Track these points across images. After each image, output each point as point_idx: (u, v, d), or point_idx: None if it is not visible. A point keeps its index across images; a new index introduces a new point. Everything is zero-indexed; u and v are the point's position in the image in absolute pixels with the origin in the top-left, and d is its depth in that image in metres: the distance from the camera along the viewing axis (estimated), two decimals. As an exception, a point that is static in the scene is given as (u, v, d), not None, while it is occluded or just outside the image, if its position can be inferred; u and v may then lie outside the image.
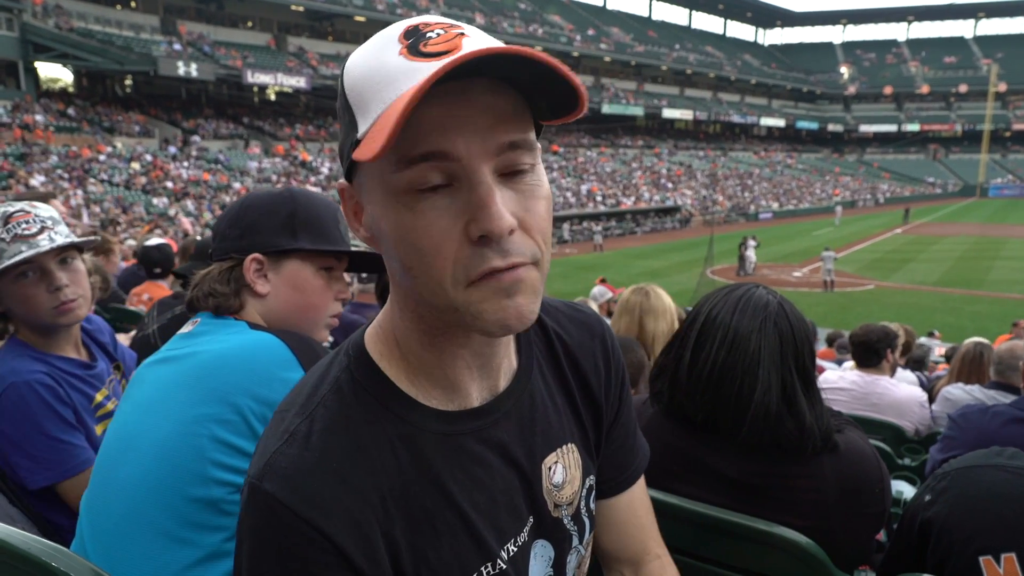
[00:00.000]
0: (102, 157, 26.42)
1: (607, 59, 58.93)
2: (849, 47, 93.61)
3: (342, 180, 0.75)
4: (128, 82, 37.08)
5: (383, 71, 0.64)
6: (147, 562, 1.09)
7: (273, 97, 42.97)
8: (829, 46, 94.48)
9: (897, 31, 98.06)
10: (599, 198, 40.76)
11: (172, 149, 30.01)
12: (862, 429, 1.42)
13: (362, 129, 0.65)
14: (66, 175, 23.72)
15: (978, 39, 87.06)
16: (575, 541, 0.90)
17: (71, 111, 29.96)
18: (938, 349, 9.69)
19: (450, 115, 0.62)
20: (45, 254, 1.55)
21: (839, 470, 1.27)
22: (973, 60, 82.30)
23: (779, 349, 1.30)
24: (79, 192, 22.77)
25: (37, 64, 31.02)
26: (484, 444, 0.78)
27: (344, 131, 0.69)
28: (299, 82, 37.57)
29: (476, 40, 0.65)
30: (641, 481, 1.04)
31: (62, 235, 1.60)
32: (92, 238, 1.76)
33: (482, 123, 0.63)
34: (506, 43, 0.65)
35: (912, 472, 2.94)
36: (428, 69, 0.61)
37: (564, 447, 0.88)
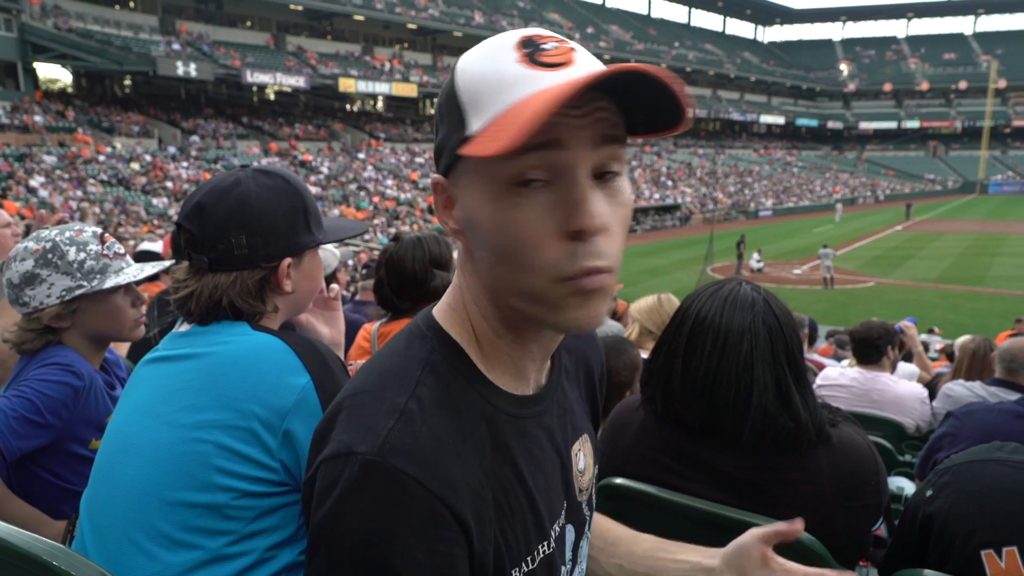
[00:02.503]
0: (101, 157, 26.41)
1: (606, 57, 58.84)
2: (849, 44, 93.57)
3: (436, 175, 0.78)
4: (127, 82, 37.08)
5: (501, 75, 0.68)
6: (149, 564, 1.09)
7: (272, 97, 42.97)
8: (829, 43, 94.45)
9: (897, 28, 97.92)
10: (599, 196, 40.65)
11: (171, 149, 30.01)
12: (859, 424, 1.42)
13: (475, 127, 0.68)
14: (65, 175, 23.71)
15: (978, 35, 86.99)
16: (587, 527, 0.95)
17: (70, 111, 29.95)
18: (938, 345, 9.70)
19: (564, 114, 0.65)
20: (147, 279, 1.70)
21: (834, 463, 1.27)
22: (973, 56, 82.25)
23: (770, 347, 1.30)
24: (78, 192, 22.77)
25: (36, 65, 31.01)
26: (540, 428, 0.84)
27: (448, 128, 0.73)
28: (298, 81, 37.56)
29: (585, 56, 0.71)
30: None
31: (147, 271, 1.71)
32: (172, 263, 1.80)
33: (587, 120, 0.67)
34: None
35: (913, 468, 2.94)
36: (548, 79, 0.67)
37: (583, 436, 0.94)
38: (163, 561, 1.08)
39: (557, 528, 0.84)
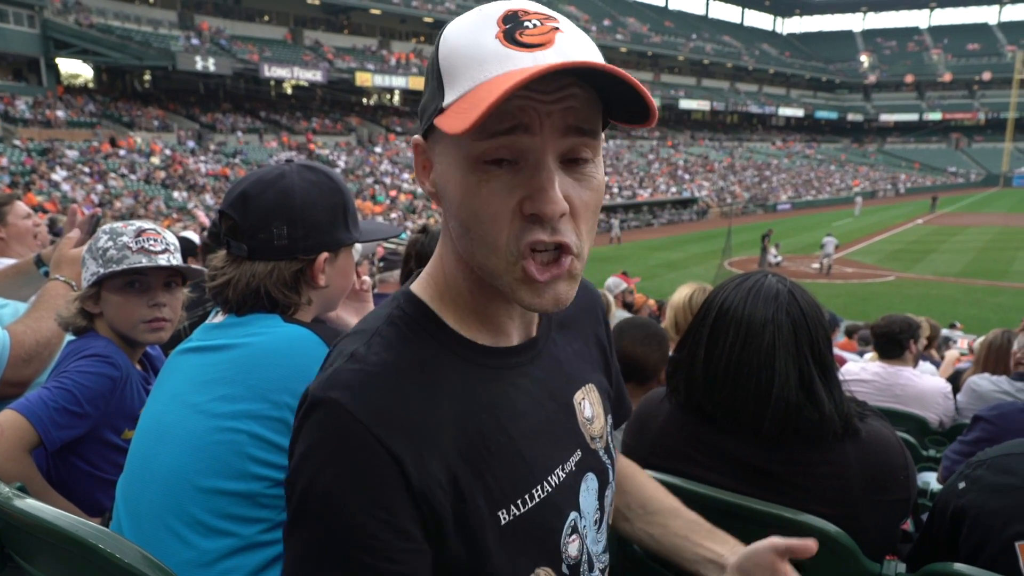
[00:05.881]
0: (122, 152, 26.71)
1: (623, 50, 58.45)
2: (869, 35, 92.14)
3: (417, 136, 0.80)
4: (147, 77, 37.44)
5: (477, 50, 0.69)
6: (185, 550, 1.11)
7: (289, 91, 43.17)
8: (849, 34, 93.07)
9: (919, 18, 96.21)
10: (616, 190, 40.56)
11: (190, 143, 30.28)
12: (887, 419, 1.41)
13: (448, 99, 0.70)
14: (87, 170, 24.02)
15: (1002, 25, 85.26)
16: (610, 475, 0.97)
17: (91, 106, 30.31)
18: (961, 341, 9.57)
19: (532, 99, 0.67)
20: (156, 270, 1.66)
21: (862, 457, 1.27)
22: (997, 47, 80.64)
23: (794, 338, 1.29)
24: (99, 187, 23.07)
25: (58, 60, 31.42)
26: (526, 378, 0.86)
27: (429, 93, 0.75)
28: (315, 75, 37.72)
29: (569, 37, 0.70)
30: None
31: (178, 262, 1.72)
32: (200, 269, 1.81)
33: (557, 109, 0.68)
34: None
35: (937, 463, 2.91)
36: (520, 60, 0.67)
37: (586, 386, 0.96)
38: (199, 547, 1.11)
39: (560, 474, 0.85)
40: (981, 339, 3.83)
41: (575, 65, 0.65)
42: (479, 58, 0.68)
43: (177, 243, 1.75)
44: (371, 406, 0.72)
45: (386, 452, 0.70)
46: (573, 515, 0.87)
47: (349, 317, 1.55)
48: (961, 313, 15.07)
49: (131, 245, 1.63)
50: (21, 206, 2.70)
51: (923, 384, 3.47)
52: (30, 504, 1.07)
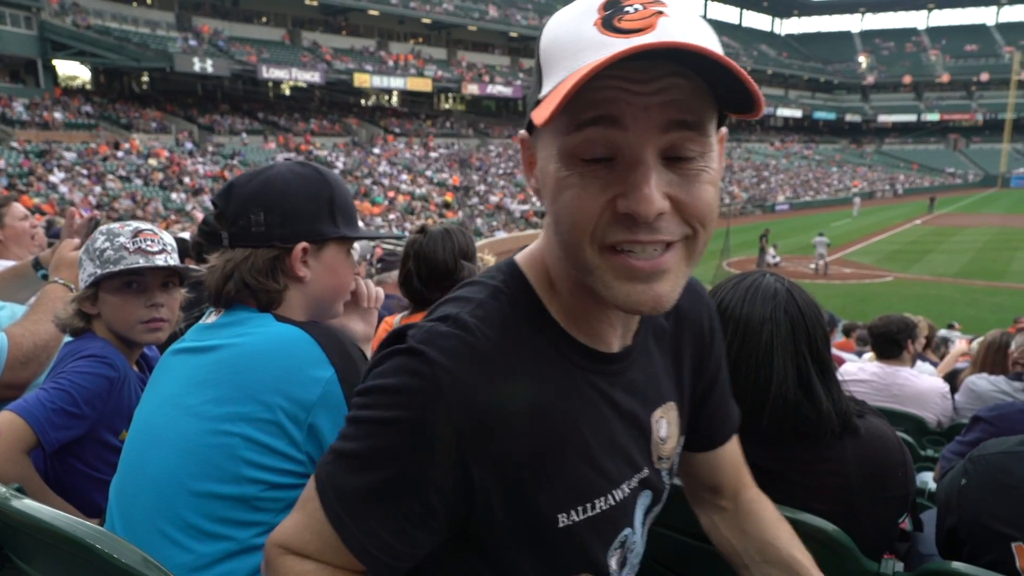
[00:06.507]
0: (120, 154, 26.68)
1: (621, 50, 58.31)
2: (867, 36, 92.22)
3: (523, 131, 0.78)
4: (145, 79, 37.39)
5: (574, 39, 0.66)
6: (181, 554, 1.10)
7: (288, 92, 43.14)
8: (847, 35, 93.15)
9: (917, 19, 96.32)
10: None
11: (188, 145, 30.24)
12: (885, 418, 1.42)
13: (544, 90, 0.68)
14: (85, 171, 23.99)
15: (1000, 26, 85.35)
16: (664, 495, 0.96)
17: (88, 108, 30.27)
18: (959, 341, 9.56)
19: (625, 88, 0.63)
20: (153, 271, 1.66)
21: (861, 454, 1.27)
22: (995, 48, 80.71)
23: (791, 337, 1.30)
24: (97, 189, 23.03)
25: (55, 62, 31.35)
26: (615, 388, 0.83)
27: (533, 87, 0.73)
28: (313, 77, 37.69)
29: (675, 20, 0.64)
30: (733, 439, 1.11)
31: (175, 262, 1.71)
32: (197, 268, 1.81)
33: (654, 101, 0.63)
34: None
35: (935, 463, 2.91)
36: (615, 45, 0.62)
37: (667, 404, 0.93)
38: (195, 551, 1.10)
39: (626, 489, 0.85)
40: (980, 339, 3.84)
41: (655, 46, 0.59)
42: (575, 47, 0.65)
43: (174, 243, 1.74)
44: (460, 379, 0.72)
45: (454, 430, 0.72)
46: (627, 531, 0.87)
47: (355, 325, 1.52)
48: (959, 313, 15.08)
49: (128, 246, 1.63)
50: (18, 207, 2.71)
51: (921, 384, 3.47)
52: (28, 504, 1.07)
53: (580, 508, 0.79)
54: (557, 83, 0.65)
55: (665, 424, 0.92)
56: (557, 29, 0.69)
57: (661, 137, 0.65)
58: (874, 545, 1.25)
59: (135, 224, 1.69)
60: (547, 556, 0.80)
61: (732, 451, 1.10)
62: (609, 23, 0.64)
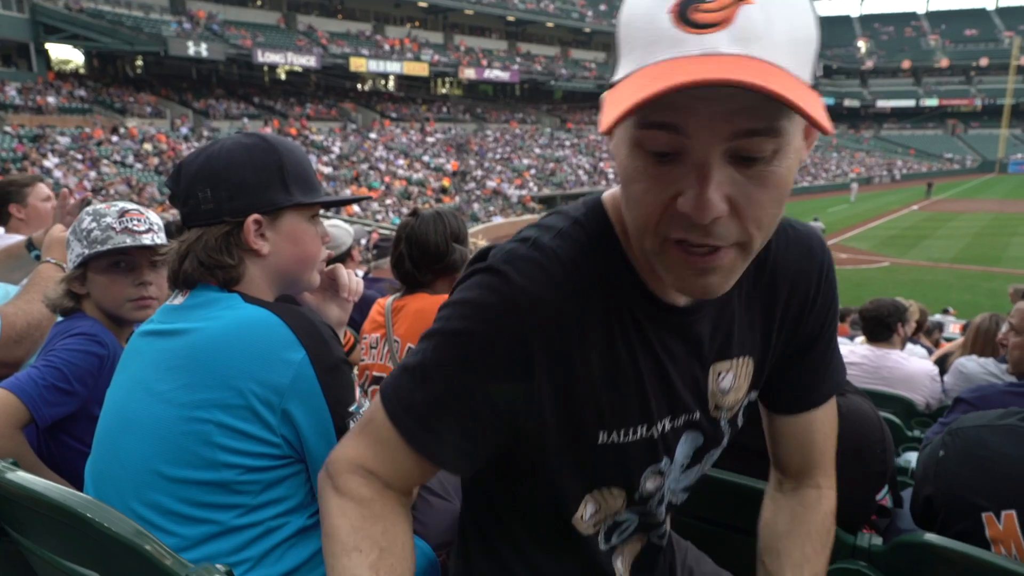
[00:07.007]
0: (114, 138, 26.54)
1: (619, 35, 57.91)
2: (867, 20, 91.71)
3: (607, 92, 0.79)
4: (139, 63, 37.10)
5: (648, 25, 0.64)
6: (164, 538, 1.09)
7: (283, 77, 42.86)
8: (846, 20, 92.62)
9: (916, 3, 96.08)
10: (611, 175, 40.48)
11: (184, 130, 30.08)
12: (869, 398, 1.44)
13: (619, 74, 0.68)
14: (79, 156, 23.87)
15: (1000, 11, 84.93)
16: (723, 440, 0.99)
17: (82, 92, 30.06)
18: (953, 326, 9.62)
19: (690, 96, 0.61)
20: (141, 250, 1.67)
21: (840, 431, 1.29)
22: (995, 32, 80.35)
23: None
24: (92, 173, 22.94)
25: (48, 46, 31.08)
26: (678, 338, 0.87)
27: (613, 65, 0.72)
28: (309, 61, 37.44)
29: (752, 12, 0.61)
30: (828, 409, 1.05)
31: (162, 240, 1.71)
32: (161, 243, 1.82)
33: (720, 109, 0.62)
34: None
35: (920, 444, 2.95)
36: (686, 46, 0.61)
37: (740, 358, 0.94)
38: (178, 534, 1.11)
39: (667, 424, 0.90)
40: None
41: (714, 82, 0.57)
42: (648, 36, 0.64)
43: (161, 223, 1.75)
44: (534, 297, 0.78)
45: (524, 340, 0.78)
46: (665, 460, 0.93)
47: (330, 311, 1.49)
48: (954, 298, 15.15)
49: (115, 225, 1.64)
50: (43, 188, 2.76)
51: (910, 366, 3.51)
52: (22, 476, 1.09)
53: (619, 432, 0.86)
54: (628, 72, 0.65)
55: (731, 377, 0.93)
56: (634, 9, 0.67)
57: (727, 144, 0.64)
58: (850, 518, 1.28)
59: (121, 204, 1.70)
60: (585, 466, 0.88)
61: (806, 428, 1.04)
62: (684, 15, 0.62)
